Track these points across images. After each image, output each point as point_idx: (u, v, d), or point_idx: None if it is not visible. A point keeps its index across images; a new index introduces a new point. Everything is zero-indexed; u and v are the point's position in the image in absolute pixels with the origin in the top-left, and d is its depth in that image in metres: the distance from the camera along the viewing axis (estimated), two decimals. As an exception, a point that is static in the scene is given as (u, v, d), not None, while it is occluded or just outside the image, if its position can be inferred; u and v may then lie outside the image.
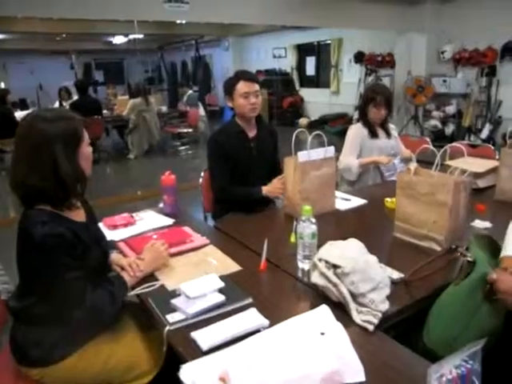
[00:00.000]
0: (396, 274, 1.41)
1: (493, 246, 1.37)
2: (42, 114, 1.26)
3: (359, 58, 8.96)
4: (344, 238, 1.51)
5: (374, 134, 2.81)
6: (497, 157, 2.87)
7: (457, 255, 1.32)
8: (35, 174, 1.23)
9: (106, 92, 9.93)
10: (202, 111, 8.58)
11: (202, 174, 2.55)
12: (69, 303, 1.24)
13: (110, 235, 1.83)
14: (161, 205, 2.16)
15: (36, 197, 1.27)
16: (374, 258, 1.34)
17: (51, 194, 1.26)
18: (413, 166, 1.84)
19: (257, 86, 2.27)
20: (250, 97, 2.24)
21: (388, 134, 2.88)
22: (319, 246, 1.51)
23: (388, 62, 8.33)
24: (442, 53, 7.22)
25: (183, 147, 8.25)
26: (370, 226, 1.97)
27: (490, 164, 2.44)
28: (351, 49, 9.12)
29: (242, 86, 2.24)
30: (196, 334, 1.13)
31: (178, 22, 7.04)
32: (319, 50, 10.47)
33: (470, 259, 1.21)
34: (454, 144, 1.97)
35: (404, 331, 1.30)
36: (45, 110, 1.31)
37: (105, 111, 7.91)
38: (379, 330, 1.16)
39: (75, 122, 1.29)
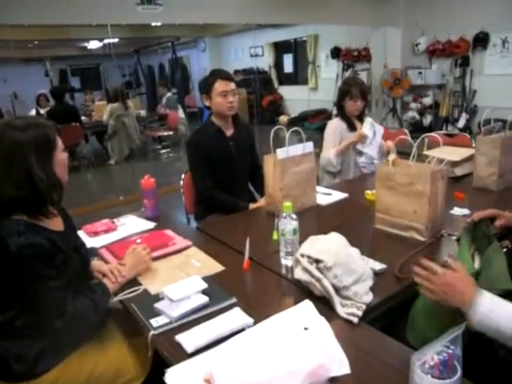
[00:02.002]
0: (378, 266, 1.42)
1: (483, 232, 1.39)
2: (11, 123, 1.23)
3: (336, 53, 9.02)
4: (326, 233, 1.51)
5: (352, 127, 2.83)
6: (473, 145, 2.92)
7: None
8: (9, 184, 1.20)
9: (84, 98, 9.78)
10: (181, 113, 8.52)
11: (183, 176, 2.54)
12: (50, 314, 1.21)
13: (91, 242, 1.81)
14: (143, 209, 2.14)
15: (11, 207, 1.24)
16: (355, 251, 1.34)
17: (27, 203, 1.23)
18: (391, 157, 1.86)
19: (233, 85, 2.28)
20: (228, 95, 2.24)
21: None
22: (301, 241, 1.52)
23: (364, 56, 8.41)
24: (417, 45, 7.32)
25: (164, 150, 8.19)
26: (352, 219, 1.98)
27: (466, 152, 2.49)
28: (327, 45, 9.18)
29: (219, 85, 2.24)
30: (181, 337, 1.12)
31: (153, 24, 6.98)
32: (296, 47, 10.50)
33: None
34: (430, 134, 2.00)
35: (390, 321, 1.31)
36: (14, 119, 1.28)
37: (83, 118, 7.80)
38: (364, 321, 1.17)
39: (47, 129, 1.26)
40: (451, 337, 0.80)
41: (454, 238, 1.55)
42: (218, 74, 2.28)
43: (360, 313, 1.16)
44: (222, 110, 2.28)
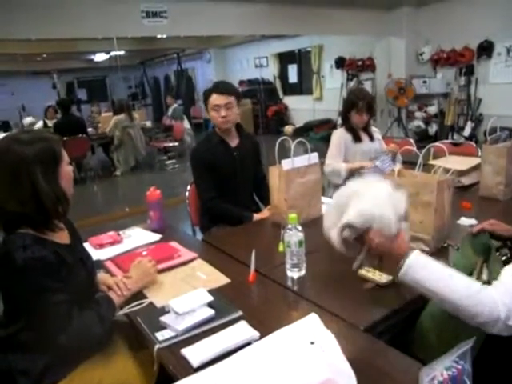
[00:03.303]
0: (385, 278, 1.41)
1: (483, 242, 1.38)
2: (17, 137, 1.24)
3: (340, 63, 9.06)
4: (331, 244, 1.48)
5: (357, 139, 2.83)
6: (479, 154, 2.90)
7: None
8: (15, 198, 1.21)
9: (90, 110, 9.88)
10: (187, 124, 8.57)
11: (189, 187, 2.54)
12: (55, 328, 1.21)
13: (97, 254, 1.81)
14: (148, 221, 2.14)
15: (17, 221, 1.24)
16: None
17: (32, 217, 1.24)
18: (396, 167, 1.86)
19: (230, 98, 2.25)
20: (221, 110, 2.24)
21: (371, 138, 2.90)
22: (308, 253, 1.51)
23: (368, 66, 8.44)
24: (421, 54, 7.35)
25: (170, 161, 8.23)
26: (358, 229, 1.96)
27: (472, 161, 2.48)
28: (332, 55, 9.23)
29: (213, 99, 2.26)
30: (186, 351, 1.11)
31: (159, 36, 7.07)
32: (300, 58, 10.57)
33: None
34: (435, 144, 1.99)
35: (398, 334, 1.30)
36: (20, 132, 1.29)
37: (89, 129, 7.88)
38: (371, 334, 1.16)
39: (52, 143, 1.27)
40: (460, 352, 0.79)
41: (455, 248, 1.54)
42: (213, 88, 2.29)
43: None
44: (216, 124, 2.31)
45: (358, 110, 2.76)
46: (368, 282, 1.41)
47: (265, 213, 2.30)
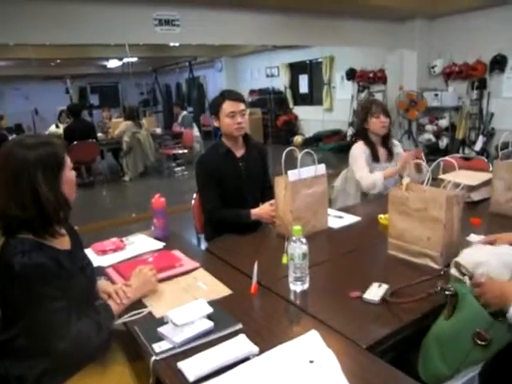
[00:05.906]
0: (371, 296, 1.37)
1: None
2: (21, 141, 1.24)
3: (351, 74, 9.05)
4: (337, 257, 1.45)
5: (375, 158, 2.73)
6: (490, 169, 2.85)
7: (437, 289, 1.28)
8: (16, 203, 1.20)
9: (102, 115, 9.97)
10: (196, 132, 8.60)
11: (194, 195, 2.53)
12: (52, 335, 1.19)
13: (99, 261, 1.80)
14: (152, 228, 2.12)
15: (17, 226, 1.23)
16: None
17: (33, 222, 1.22)
18: (405, 180, 1.82)
19: (243, 106, 2.26)
20: (237, 116, 2.23)
21: (390, 155, 2.78)
22: (311, 266, 1.48)
23: (380, 77, 8.41)
24: (433, 67, 7.31)
25: (178, 168, 8.24)
26: (364, 243, 1.93)
27: (483, 177, 2.43)
28: (343, 66, 9.22)
29: (227, 106, 2.23)
30: (183, 364, 1.08)
31: (171, 44, 7.13)
32: (311, 68, 10.58)
33: (451, 292, 1.18)
34: (445, 158, 1.96)
35: (400, 353, 1.26)
36: (26, 136, 1.28)
37: (100, 134, 7.94)
38: (373, 353, 1.12)
39: (56, 147, 1.26)
40: (467, 378, 0.75)
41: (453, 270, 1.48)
42: (226, 95, 2.27)
43: None
44: (230, 131, 2.27)
45: (372, 114, 2.68)
46: (356, 291, 1.39)
47: (265, 207, 2.22)
